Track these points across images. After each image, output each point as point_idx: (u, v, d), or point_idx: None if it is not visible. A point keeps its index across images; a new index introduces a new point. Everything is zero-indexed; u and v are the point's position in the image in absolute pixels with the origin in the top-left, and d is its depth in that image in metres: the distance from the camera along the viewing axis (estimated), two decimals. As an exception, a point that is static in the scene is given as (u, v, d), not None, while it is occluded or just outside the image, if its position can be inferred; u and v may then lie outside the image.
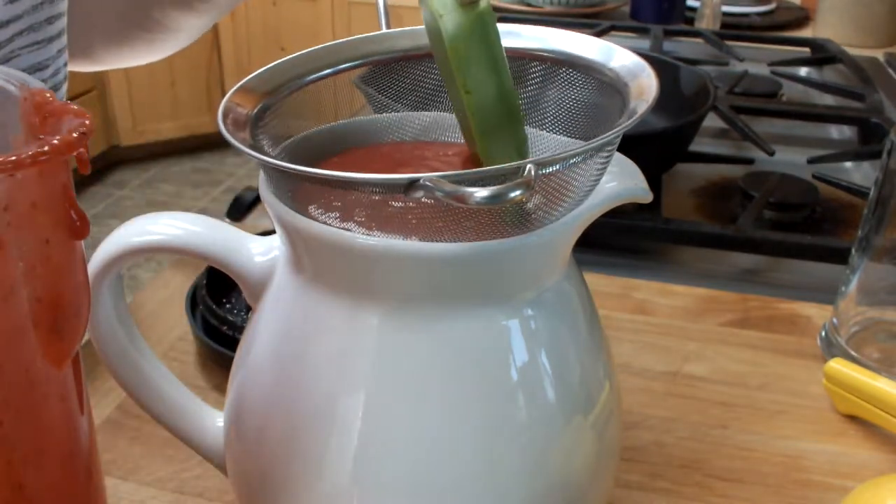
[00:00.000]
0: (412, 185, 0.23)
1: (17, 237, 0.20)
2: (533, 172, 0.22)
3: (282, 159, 0.30)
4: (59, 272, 0.22)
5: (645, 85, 0.27)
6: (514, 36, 0.32)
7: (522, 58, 0.31)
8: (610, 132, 0.25)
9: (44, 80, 0.43)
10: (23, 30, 0.40)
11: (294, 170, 0.24)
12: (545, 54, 0.31)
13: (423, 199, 0.24)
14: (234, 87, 0.29)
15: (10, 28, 0.39)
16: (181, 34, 0.56)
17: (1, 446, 0.22)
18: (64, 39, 0.45)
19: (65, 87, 0.47)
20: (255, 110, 0.29)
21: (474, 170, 0.23)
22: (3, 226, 0.20)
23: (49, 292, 0.22)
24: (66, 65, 0.46)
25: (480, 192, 0.22)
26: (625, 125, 0.25)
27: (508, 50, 0.32)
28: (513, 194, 0.22)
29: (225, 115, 0.27)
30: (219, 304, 0.48)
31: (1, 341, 0.21)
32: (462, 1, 0.26)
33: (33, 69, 0.42)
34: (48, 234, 0.21)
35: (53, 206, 0.21)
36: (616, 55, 0.29)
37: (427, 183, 0.22)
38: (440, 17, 0.26)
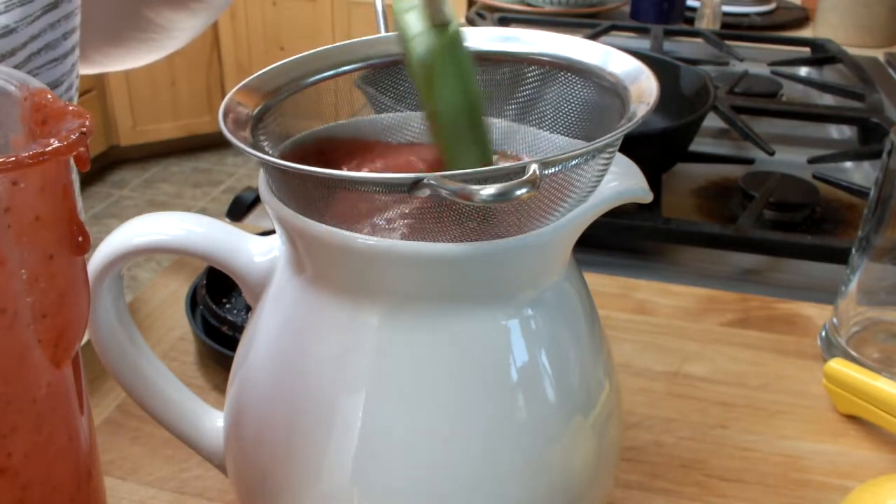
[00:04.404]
0: (416, 184, 0.23)
1: (20, 250, 0.20)
2: (538, 171, 0.22)
3: (282, 159, 0.30)
4: (63, 288, 0.22)
5: (644, 87, 0.27)
6: (514, 41, 0.32)
7: (522, 62, 0.32)
8: (612, 133, 0.25)
9: (59, 97, 0.43)
10: (40, 48, 0.40)
11: (295, 168, 0.24)
12: (544, 58, 0.31)
13: (425, 199, 0.24)
14: (236, 87, 0.29)
15: (27, 48, 0.39)
16: (176, 34, 0.56)
17: (11, 480, 0.22)
18: (77, 53, 0.45)
19: (76, 100, 0.47)
20: (257, 110, 0.29)
21: (478, 169, 0.23)
22: (4, 228, 0.20)
23: (53, 310, 0.22)
24: (78, 77, 0.46)
25: (486, 190, 0.22)
26: (627, 127, 0.25)
27: (508, 55, 0.32)
28: (518, 192, 0.22)
29: (226, 114, 0.27)
30: (219, 304, 0.48)
31: (9, 364, 0.21)
32: (433, 22, 0.27)
33: (51, 87, 0.42)
34: (52, 249, 0.21)
35: (56, 221, 0.21)
36: (614, 59, 0.29)
37: (431, 182, 0.22)
38: (410, 41, 0.27)
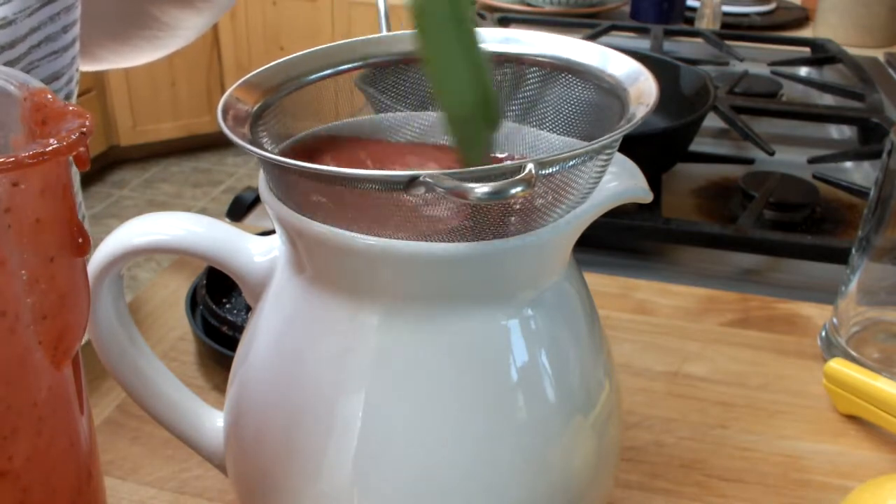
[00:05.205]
0: (413, 181, 0.23)
1: (20, 251, 0.20)
2: (534, 170, 0.22)
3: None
4: (63, 290, 0.22)
5: (644, 88, 0.27)
6: (514, 42, 0.32)
7: (522, 63, 0.32)
8: (610, 134, 0.25)
9: (59, 90, 0.43)
10: (40, 41, 0.40)
11: (292, 165, 0.24)
12: (544, 60, 0.31)
13: (423, 197, 0.24)
14: (236, 83, 0.29)
15: (27, 41, 0.39)
16: (181, 32, 0.57)
17: (12, 483, 0.22)
18: (77, 47, 0.45)
19: (76, 93, 0.47)
20: (256, 107, 0.29)
21: (475, 168, 0.23)
22: (4, 228, 0.20)
23: (53, 312, 0.22)
24: (78, 70, 0.46)
25: (481, 188, 0.22)
26: (625, 128, 0.25)
27: (508, 56, 0.32)
28: (514, 190, 0.22)
29: (225, 111, 0.27)
30: (219, 304, 0.48)
31: (9, 367, 0.21)
32: None
33: (50, 79, 0.43)
34: (53, 251, 0.21)
35: (57, 223, 0.21)
36: (613, 60, 0.29)
37: (427, 179, 0.22)
38: None
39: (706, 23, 1.15)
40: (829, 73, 1.00)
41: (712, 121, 0.78)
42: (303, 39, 2.68)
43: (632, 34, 1.11)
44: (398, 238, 0.25)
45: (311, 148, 0.31)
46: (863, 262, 0.45)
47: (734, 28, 1.19)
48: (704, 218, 0.66)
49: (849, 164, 0.76)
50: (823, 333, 0.48)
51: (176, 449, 0.39)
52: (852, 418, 0.43)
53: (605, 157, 0.26)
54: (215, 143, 2.84)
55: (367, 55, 0.32)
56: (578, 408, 0.29)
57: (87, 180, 2.62)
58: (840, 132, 0.86)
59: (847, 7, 1.16)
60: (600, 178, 0.27)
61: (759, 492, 0.38)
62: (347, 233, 0.25)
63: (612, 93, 0.29)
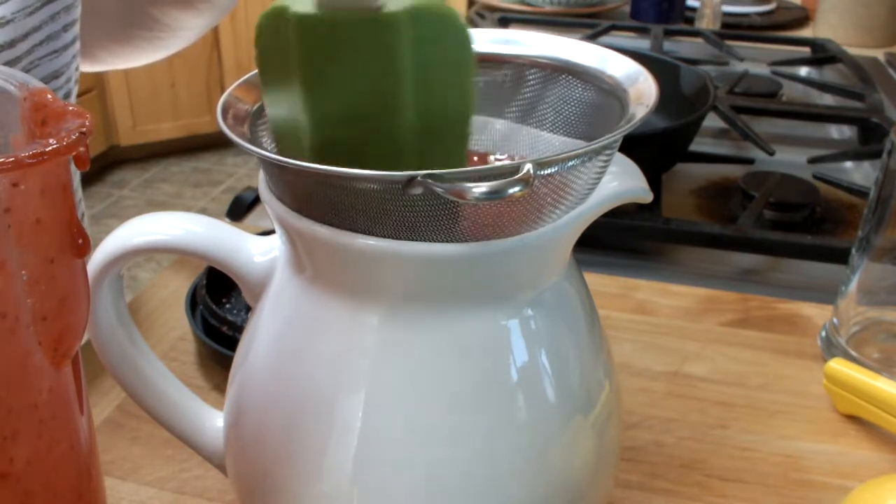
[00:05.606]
0: (411, 181, 0.23)
1: (20, 252, 0.20)
2: (532, 170, 0.22)
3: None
4: (64, 291, 0.22)
5: (643, 89, 0.27)
6: (514, 43, 0.32)
7: (522, 64, 0.32)
8: (610, 135, 0.25)
9: (58, 88, 0.44)
10: (42, 40, 0.41)
11: (292, 165, 0.24)
12: (544, 61, 0.31)
13: (423, 198, 0.24)
14: (236, 83, 0.29)
15: (29, 39, 0.40)
16: (182, 33, 0.57)
17: (13, 486, 0.22)
18: (77, 45, 0.45)
19: (75, 92, 0.47)
20: (256, 107, 0.29)
21: (472, 168, 0.23)
22: (4, 228, 0.20)
23: (53, 313, 0.22)
24: (77, 69, 0.47)
25: (479, 188, 0.22)
26: (625, 128, 0.25)
27: (508, 57, 0.32)
28: (511, 190, 0.22)
29: (225, 110, 0.27)
30: (219, 304, 0.48)
31: (10, 369, 0.21)
32: None
33: (51, 77, 0.43)
34: (53, 252, 0.21)
35: (57, 223, 0.21)
36: (613, 61, 0.29)
37: (426, 179, 0.22)
38: None
39: (706, 23, 1.15)
40: (829, 73, 1.00)
41: (712, 121, 0.78)
42: (303, 39, 2.67)
43: (632, 34, 1.11)
44: (398, 238, 0.25)
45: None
46: (863, 262, 0.45)
47: (734, 28, 1.19)
48: (704, 218, 0.66)
49: (849, 164, 0.76)
50: (823, 333, 0.48)
51: (176, 449, 0.39)
52: (852, 418, 0.43)
53: (605, 158, 0.26)
54: (215, 143, 2.84)
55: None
56: (578, 408, 0.29)
57: (87, 180, 2.62)
58: (840, 132, 0.86)
59: (847, 7, 1.16)
60: (600, 178, 0.27)
61: (759, 492, 0.38)
62: (347, 233, 0.25)
63: (611, 93, 0.29)
